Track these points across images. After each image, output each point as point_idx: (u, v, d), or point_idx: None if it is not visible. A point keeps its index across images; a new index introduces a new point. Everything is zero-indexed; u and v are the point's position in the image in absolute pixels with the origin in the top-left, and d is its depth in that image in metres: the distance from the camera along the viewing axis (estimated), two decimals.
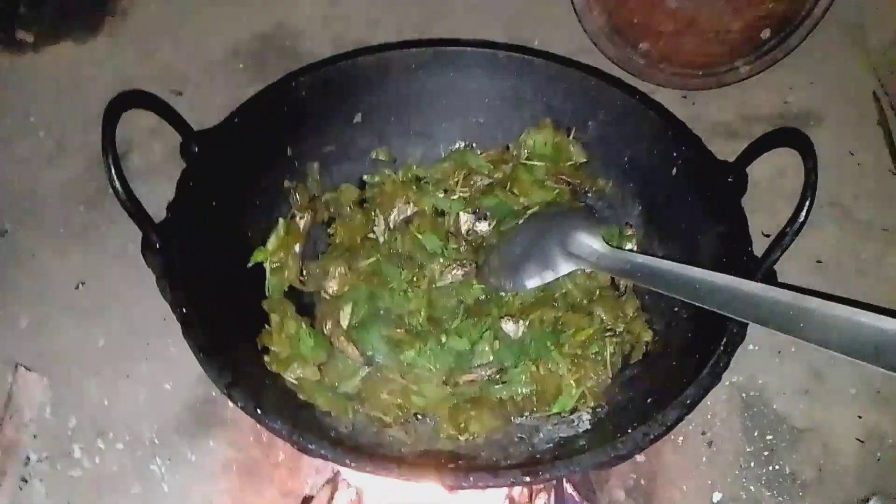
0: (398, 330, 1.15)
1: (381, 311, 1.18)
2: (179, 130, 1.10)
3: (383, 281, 1.20)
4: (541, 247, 1.18)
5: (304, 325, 1.12)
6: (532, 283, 1.15)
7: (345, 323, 1.17)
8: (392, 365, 1.13)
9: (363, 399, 1.09)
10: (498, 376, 1.12)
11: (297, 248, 1.23)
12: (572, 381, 1.10)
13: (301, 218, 1.26)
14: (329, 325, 1.16)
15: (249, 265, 1.18)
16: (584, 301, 1.19)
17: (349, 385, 1.10)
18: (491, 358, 1.13)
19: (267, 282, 1.19)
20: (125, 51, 1.70)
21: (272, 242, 1.21)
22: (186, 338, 0.93)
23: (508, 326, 1.15)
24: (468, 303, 1.20)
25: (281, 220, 1.23)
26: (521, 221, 1.24)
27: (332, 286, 1.21)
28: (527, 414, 1.10)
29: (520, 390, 1.11)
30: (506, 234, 1.24)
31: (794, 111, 1.63)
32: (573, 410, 1.09)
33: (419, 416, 1.10)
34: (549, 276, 1.15)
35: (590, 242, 1.15)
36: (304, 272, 1.23)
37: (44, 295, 1.28)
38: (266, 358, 1.08)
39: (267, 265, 1.20)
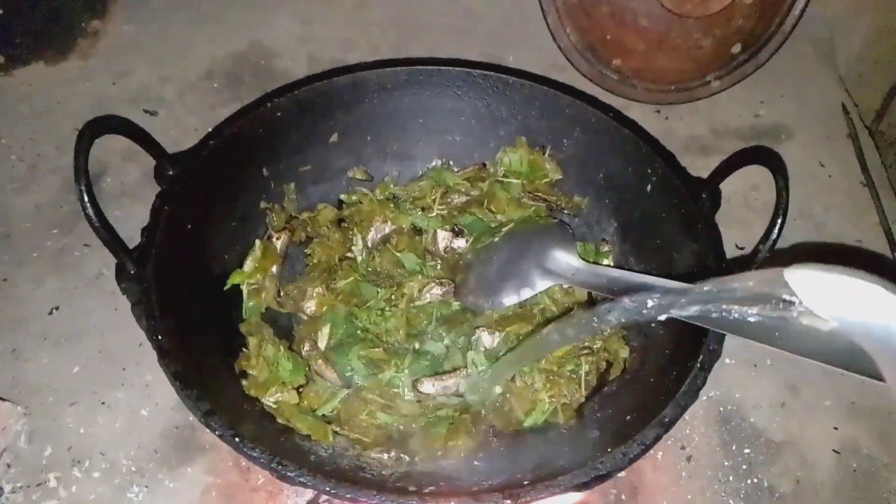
0: (376, 350, 1.15)
1: (359, 332, 1.18)
2: (153, 154, 1.10)
3: (362, 300, 1.21)
4: (517, 264, 1.19)
5: (282, 349, 1.11)
6: (509, 300, 1.16)
7: (322, 344, 1.17)
8: (371, 385, 1.13)
9: (343, 421, 1.09)
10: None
11: (274, 269, 1.23)
12: (545, 397, 1.11)
13: (278, 239, 1.26)
14: (307, 346, 1.16)
15: (226, 287, 1.17)
16: (562, 317, 1.20)
17: (328, 407, 1.10)
18: (463, 363, 1.14)
19: (244, 304, 1.19)
20: (98, 72, 1.69)
21: (249, 265, 1.21)
22: (162, 366, 0.92)
23: (484, 337, 1.15)
24: (446, 315, 1.21)
25: (258, 242, 1.23)
26: (496, 239, 1.24)
27: (311, 307, 1.21)
28: (500, 430, 1.11)
29: (492, 399, 1.12)
30: (482, 251, 1.25)
31: (765, 125, 1.66)
32: (548, 427, 1.10)
33: (398, 437, 1.09)
34: (527, 294, 1.15)
35: (566, 258, 1.16)
36: (282, 293, 1.23)
37: (17, 321, 1.26)
38: (244, 382, 1.08)
39: (244, 287, 1.19)
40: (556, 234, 1.21)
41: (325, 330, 1.18)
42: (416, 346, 1.17)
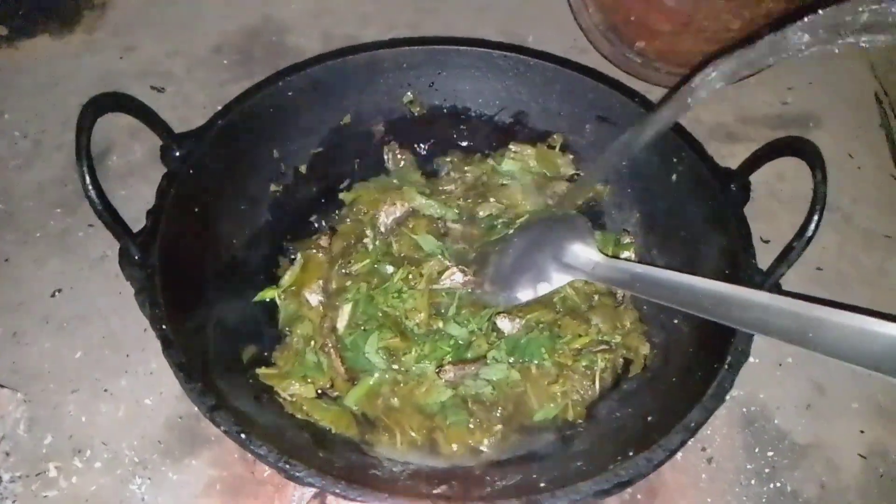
0: (394, 339, 1.10)
1: (380, 314, 1.13)
2: (160, 133, 1.05)
3: (381, 279, 1.16)
4: (534, 258, 1.14)
5: (312, 343, 1.09)
6: (525, 295, 1.12)
7: (342, 324, 1.12)
8: (391, 371, 1.09)
9: (366, 410, 1.07)
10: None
11: (319, 284, 1.18)
12: (558, 392, 1.07)
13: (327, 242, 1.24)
14: (325, 327, 1.12)
15: (255, 300, 1.15)
16: (583, 306, 1.16)
17: (356, 396, 1.07)
18: (485, 351, 1.10)
19: (281, 313, 1.16)
20: (104, 46, 1.64)
21: (287, 279, 1.17)
22: (166, 356, 0.89)
23: (503, 323, 1.12)
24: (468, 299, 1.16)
25: (299, 255, 1.20)
26: (511, 232, 1.19)
27: (331, 286, 1.17)
28: (513, 423, 1.07)
29: (505, 388, 1.09)
30: (496, 243, 1.20)
31: (793, 112, 1.60)
32: (564, 425, 1.06)
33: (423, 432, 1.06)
34: (544, 289, 1.11)
35: (585, 252, 1.11)
36: None
37: (18, 303, 1.23)
38: (261, 370, 1.05)
39: (279, 299, 1.16)
40: (574, 227, 1.17)
41: (346, 308, 1.14)
42: (440, 325, 1.12)
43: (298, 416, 1.01)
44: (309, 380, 1.05)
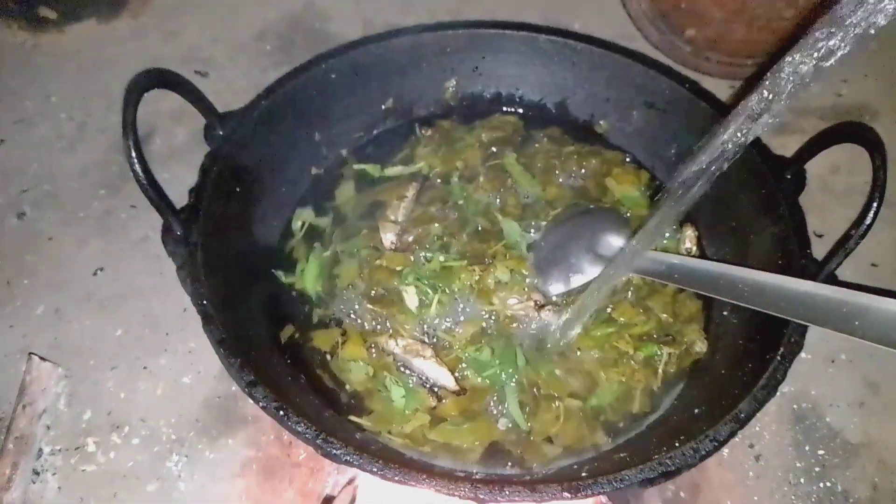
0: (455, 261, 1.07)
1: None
2: (203, 112, 1.05)
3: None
4: (566, 250, 1.10)
5: (388, 374, 1.01)
6: (556, 289, 1.07)
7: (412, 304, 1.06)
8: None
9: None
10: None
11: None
12: (609, 375, 1.02)
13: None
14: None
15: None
16: (644, 290, 1.10)
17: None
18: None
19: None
20: (149, 31, 1.66)
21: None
22: (206, 332, 0.88)
23: (548, 316, 1.06)
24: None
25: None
26: (545, 223, 1.16)
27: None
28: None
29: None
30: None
31: (847, 104, 1.55)
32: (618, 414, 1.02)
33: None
34: (578, 281, 1.07)
35: (619, 243, 1.08)
36: None
37: (61, 281, 1.24)
38: (356, 418, 0.98)
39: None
40: (608, 218, 1.13)
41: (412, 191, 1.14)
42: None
43: (427, 449, 0.96)
44: (416, 408, 0.98)
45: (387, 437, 0.96)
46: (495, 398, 1.01)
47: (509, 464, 0.96)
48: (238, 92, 1.53)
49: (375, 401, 1.00)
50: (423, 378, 1.01)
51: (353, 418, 0.97)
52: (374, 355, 1.03)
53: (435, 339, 1.04)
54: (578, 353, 1.04)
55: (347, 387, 1.02)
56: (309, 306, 1.09)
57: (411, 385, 1.00)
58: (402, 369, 1.02)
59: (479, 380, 1.01)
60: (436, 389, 1.00)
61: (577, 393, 1.01)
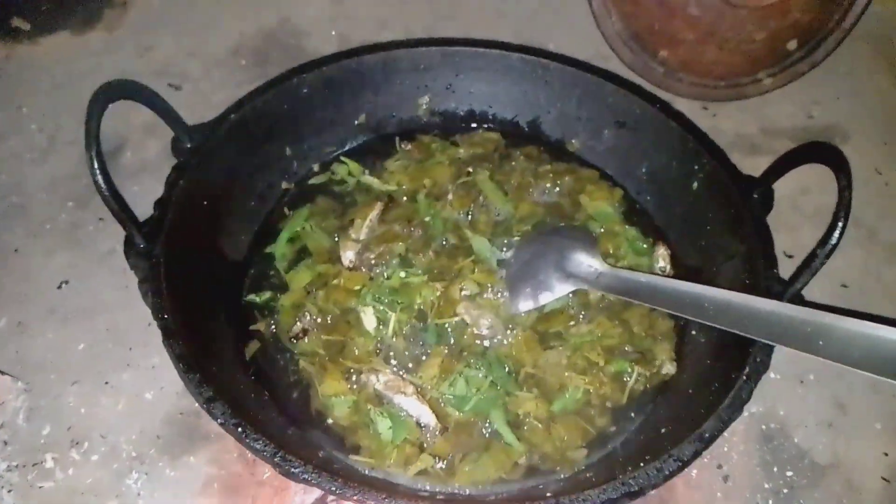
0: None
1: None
2: (171, 124, 1.04)
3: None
4: (535, 268, 1.10)
5: (371, 407, 0.99)
6: (525, 306, 1.07)
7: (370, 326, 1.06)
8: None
9: None
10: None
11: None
12: (579, 383, 1.02)
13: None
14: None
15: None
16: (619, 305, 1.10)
17: None
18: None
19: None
20: (123, 44, 1.64)
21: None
22: (166, 346, 0.87)
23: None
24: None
25: None
26: (514, 240, 1.16)
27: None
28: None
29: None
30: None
31: (818, 126, 1.56)
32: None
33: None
34: (546, 298, 1.07)
35: (588, 261, 1.08)
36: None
37: (25, 294, 1.21)
38: (355, 457, 0.97)
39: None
40: (577, 236, 1.13)
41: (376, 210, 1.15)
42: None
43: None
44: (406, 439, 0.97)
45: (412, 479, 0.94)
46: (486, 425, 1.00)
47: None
48: (212, 106, 1.51)
49: (362, 436, 0.98)
50: (405, 414, 0.99)
51: (353, 457, 0.96)
52: (356, 387, 1.01)
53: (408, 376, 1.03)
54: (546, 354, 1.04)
55: (329, 420, 1.00)
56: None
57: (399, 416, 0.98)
58: (385, 403, 1.00)
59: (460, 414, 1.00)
60: (421, 424, 0.98)
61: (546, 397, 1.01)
